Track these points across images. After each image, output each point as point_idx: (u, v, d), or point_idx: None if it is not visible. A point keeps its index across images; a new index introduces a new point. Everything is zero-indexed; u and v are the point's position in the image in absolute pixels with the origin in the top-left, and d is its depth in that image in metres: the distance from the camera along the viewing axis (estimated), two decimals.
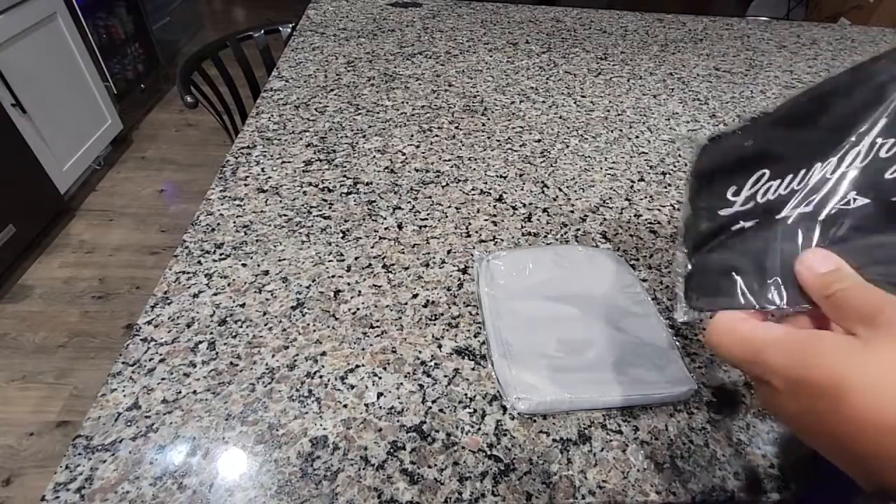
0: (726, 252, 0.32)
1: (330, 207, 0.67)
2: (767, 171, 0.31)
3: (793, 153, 0.30)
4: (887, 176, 0.29)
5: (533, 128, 0.87)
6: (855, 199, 0.29)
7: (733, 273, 0.31)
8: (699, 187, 0.33)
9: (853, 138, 0.28)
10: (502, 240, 0.63)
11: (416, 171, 0.75)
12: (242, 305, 0.53)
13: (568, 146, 0.83)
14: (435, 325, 0.52)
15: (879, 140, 0.28)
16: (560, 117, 0.90)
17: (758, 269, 0.31)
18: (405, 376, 0.47)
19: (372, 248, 0.61)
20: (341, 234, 0.62)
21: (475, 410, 0.45)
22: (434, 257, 0.60)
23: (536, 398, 0.44)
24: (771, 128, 0.30)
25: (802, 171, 0.30)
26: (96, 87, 2.07)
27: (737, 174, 0.32)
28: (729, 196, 0.32)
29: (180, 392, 0.45)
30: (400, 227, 0.64)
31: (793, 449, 0.44)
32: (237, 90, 1.29)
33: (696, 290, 0.32)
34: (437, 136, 0.83)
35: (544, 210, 0.69)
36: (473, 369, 0.48)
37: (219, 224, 0.63)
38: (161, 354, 0.48)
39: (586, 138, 0.85)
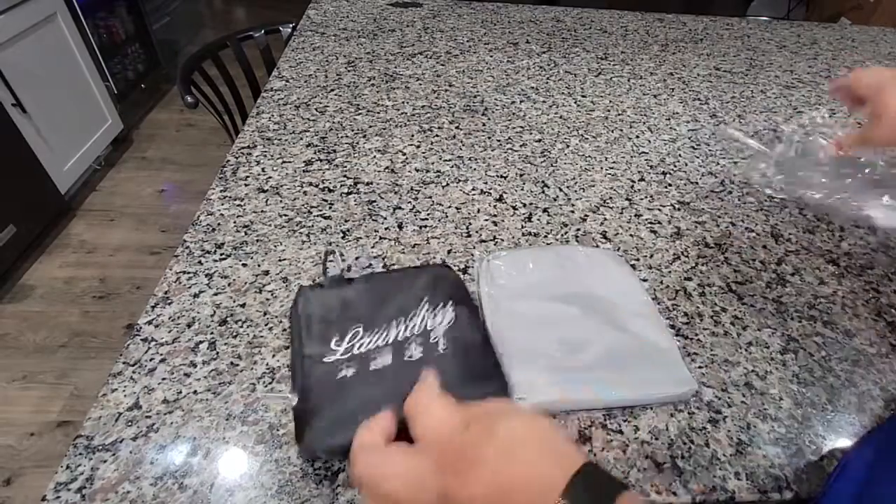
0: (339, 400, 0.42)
1: (330, 207, 0.67)
2: (361, 327, 0.47)
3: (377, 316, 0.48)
4: (432, 339, 0.46)
5: (533, 128, 0.87)
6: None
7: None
8: (303, 333, 0.46)
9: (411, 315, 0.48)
10: (502, 240, 0.63)
11: (417, 171, 0.75)
12: (243, 305, 0.53)
13: (568, 146, 0.82)
14: None
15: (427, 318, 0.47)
16: (560, 117, 0.90)
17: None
18: None
19: (372, 247, 0.61)
20: (342, 234, 0.62)
21: None
22: (434, 257, 0.60)
23: (537, 398, 0.44)
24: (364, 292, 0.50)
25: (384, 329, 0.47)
26: (96, 87, 2.07)
27: (335, 325, 0.47)
28: (332, 345, 0.45)
29: (181, 392, 0.45)
30: (400, 226, 0.64)
31: (800, 451, 0.44)
32: (237, 90, 1.29)
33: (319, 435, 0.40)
34: (437, 136, 0.83)
35: (544, 210, 0.69)
36: None
37: (219, 224, 0.63)
38: (161, 354, 0.48)
39: (586, 138, 0.85)
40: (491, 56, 1.11)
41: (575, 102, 0.95)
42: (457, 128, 0.85)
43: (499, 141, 0.83)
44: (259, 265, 0.58)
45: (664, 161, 0.80)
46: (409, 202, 0.69)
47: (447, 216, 0.67)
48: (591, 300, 0.53)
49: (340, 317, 0.48)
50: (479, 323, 0.49)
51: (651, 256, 0.63)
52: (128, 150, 2.33)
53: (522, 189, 0.72)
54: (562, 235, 0.65)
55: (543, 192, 0.72)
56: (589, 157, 0.80)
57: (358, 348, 0.45)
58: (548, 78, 1.04)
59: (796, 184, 0.50)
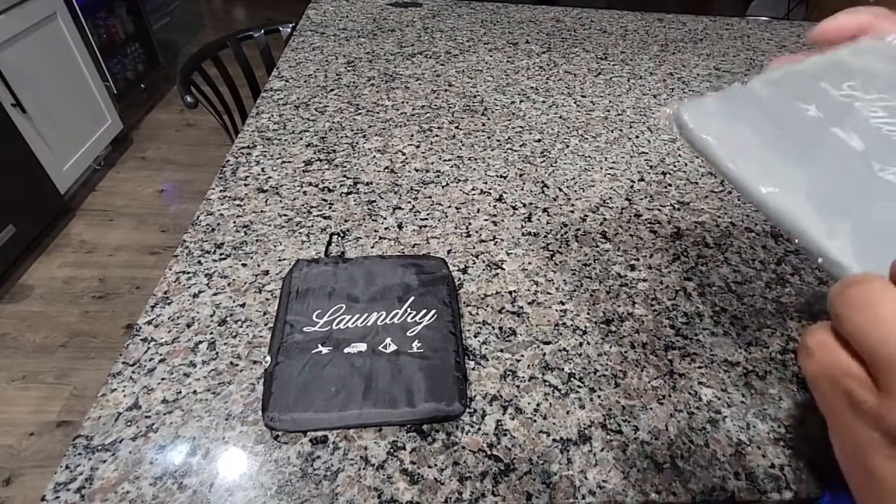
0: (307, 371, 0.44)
1: (330, 207, 0.67)
2: (344, 306, 0.49)
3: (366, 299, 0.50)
4: (409, 333, 0.47)
5: (533, 128, 0.87)
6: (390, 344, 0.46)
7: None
8: (289, 301, 0.49)
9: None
10: (502, 239, 0.63)
11: (416, 171, 0.75)
12: (242, 305, 0.53)
13: (568, 146, 0.82)
14: None
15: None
16: (560, 117, 0.90)
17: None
18: None
19: (372, 248, 0.61)
20: (341, 234, 0.62)
21: (475, 410, 0.45)
22: None
23: None
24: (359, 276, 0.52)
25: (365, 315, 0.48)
26: (96, 87, 2.07)
27: (320, 299, 0.49)
28: (313, 317, 0.48)
29: (180, 392, 0.45)
30: (400, 227, 0.64)
31: (801, 450, 0.44)
32: (237, 90, 1.29)
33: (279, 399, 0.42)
34: (437, 136, 0.83)
35: (544, 210, 0.69)
36: (474, 369, 0.48)
37: (219, 224, 0.63)
38: (161, 354, 0.48)
39: (586, 138, 0.85)
40: (491, 56, 1.11)
41: (575, 102, 0.95)
42: (456, 128, 0.85)
43: (498, 141, 0.83)
44: (259, 265, 0.58)
45: (664, 161, 0.80)
46: (409, 202, 0.69)
47: (447, 216, 0.67)
48: None
49: (327, 292, 0.50)
50: (456, 329, 0.49)
51: (651, 256, 0.63)
52: (127, 150, 2.32)
53: (522, 189, 0.72)
54: (562, 235, 0.65)
55: (543, 192, 0.72)
56: (589, 157, 0.80)
57: (336, 324, 0.47)
58: (547, 78, 1.04)
59: None
